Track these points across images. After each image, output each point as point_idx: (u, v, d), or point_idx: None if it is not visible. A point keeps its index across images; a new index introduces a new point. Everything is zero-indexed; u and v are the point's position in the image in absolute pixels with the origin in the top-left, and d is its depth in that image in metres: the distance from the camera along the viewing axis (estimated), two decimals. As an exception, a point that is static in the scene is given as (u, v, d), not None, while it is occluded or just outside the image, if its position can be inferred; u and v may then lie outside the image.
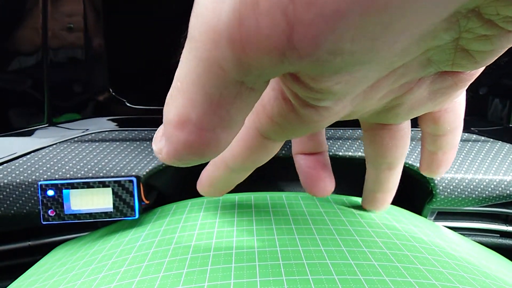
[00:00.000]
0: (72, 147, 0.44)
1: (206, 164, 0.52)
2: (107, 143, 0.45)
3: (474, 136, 0.48)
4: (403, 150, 0.27)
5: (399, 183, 0.55)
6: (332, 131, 0.48)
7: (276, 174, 0.52)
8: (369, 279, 0.22)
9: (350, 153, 0.45)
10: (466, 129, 0.49)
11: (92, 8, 0.45)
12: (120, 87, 0.49)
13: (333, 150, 0.45)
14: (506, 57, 0.47)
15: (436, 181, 0.43)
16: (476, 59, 0.16)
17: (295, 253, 0.25)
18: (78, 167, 0.42)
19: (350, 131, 0.48)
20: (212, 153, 0.16)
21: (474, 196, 0.43)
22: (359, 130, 0.48)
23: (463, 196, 0.43)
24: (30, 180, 0.40)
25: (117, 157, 0.43)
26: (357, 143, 0.46)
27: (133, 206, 0.34)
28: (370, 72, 0.15)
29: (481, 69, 0.19)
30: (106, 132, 0.46)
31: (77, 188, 0.33)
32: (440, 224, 0.46)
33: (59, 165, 0.41)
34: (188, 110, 0.15)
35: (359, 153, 0.45)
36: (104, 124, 0.48)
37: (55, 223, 0.34)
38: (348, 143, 0.46)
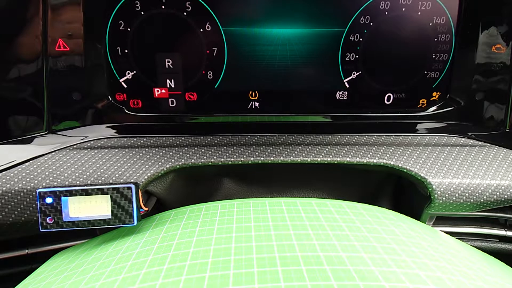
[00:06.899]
0: (71, 154, 0.44)
1: (208, 172, 0.51)
2: (106, 150, 0.45)
3: (471, 141, 0.48)
4: None
5: (397, 189, 0.55)
6: (330, 136, 0.48)
7: (275, 180, 0.53)
8: (367, 284, 0.22)
9: (348, 159, 0.45)
10: (463, 134, 0.49)
11: (92, 17, 0.45)
12: (119, 95, 0.49)
13: (331, 156, 0.45)
14: (501, 63, 0.48)
15: (434, 186, 0.43)
16: None
17: (293, 259, 0.25)
18: (77, 174, 0.42)
19: (348, 136, 0.48)
20: None
21: (472, 201, 0.43)
22: (357, 136, 0.48)
23: (461, 201, 0.43)
24: (28, 187, 0.40)
25: (115, 164, 0.43)
26: (355, 149, 0.46)
27: (131, 213, 0.34)
28: None
29: None
30: (105, 139, 0.46)
31: (75, 195, 0.33)
32: (439, 229, 0.46)
33: (58, 172, 0.41)
34: None
35: (357, 159, 0.45)
36: (103, 131, 0.48)
37: (54, 230, 0.33)
38: (346, 149, 0.46)
